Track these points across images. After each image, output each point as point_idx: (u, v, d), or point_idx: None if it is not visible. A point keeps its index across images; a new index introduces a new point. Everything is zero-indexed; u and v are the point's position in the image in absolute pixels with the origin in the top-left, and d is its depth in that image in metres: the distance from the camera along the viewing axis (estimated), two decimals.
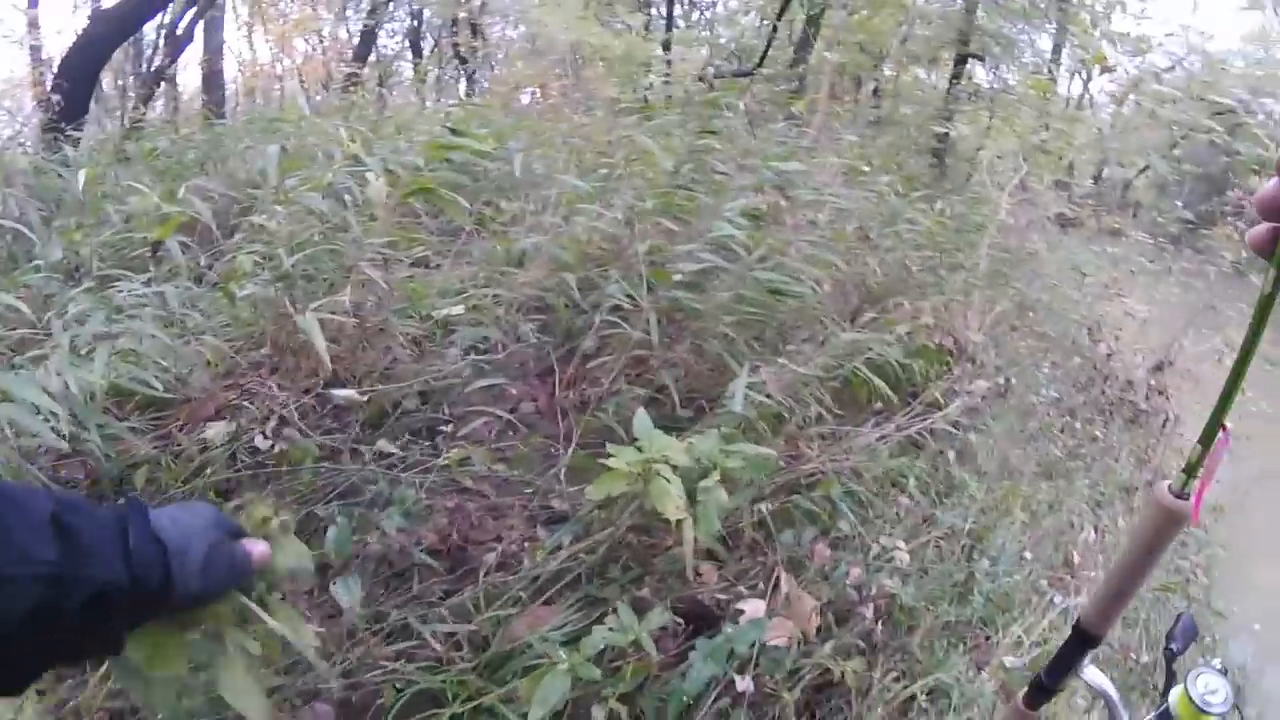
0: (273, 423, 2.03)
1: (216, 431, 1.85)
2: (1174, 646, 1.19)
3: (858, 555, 2.81)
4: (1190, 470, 0.87)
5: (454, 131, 2.65)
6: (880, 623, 2.78)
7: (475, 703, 1.92)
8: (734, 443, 2.07)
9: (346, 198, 2.57)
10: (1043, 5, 9.29)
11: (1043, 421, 5.01)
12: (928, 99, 8.84)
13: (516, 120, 4.95)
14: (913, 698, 2.55)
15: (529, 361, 2.54)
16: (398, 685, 1.95)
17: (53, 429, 1.80)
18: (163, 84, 6.87)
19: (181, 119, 6.16)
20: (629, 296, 2.43)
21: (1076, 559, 4.04)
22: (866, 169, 4.44)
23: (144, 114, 6.20)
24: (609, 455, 2.00)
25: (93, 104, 5.83)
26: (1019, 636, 3.10)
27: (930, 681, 2.59)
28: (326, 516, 2.00)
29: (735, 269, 2.47)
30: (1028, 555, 3.68)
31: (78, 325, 1.96)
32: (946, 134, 7.61)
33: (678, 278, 2.46)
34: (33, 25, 9.16)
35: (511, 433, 2.52)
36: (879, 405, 3.07)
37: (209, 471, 2.17)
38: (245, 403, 2.16)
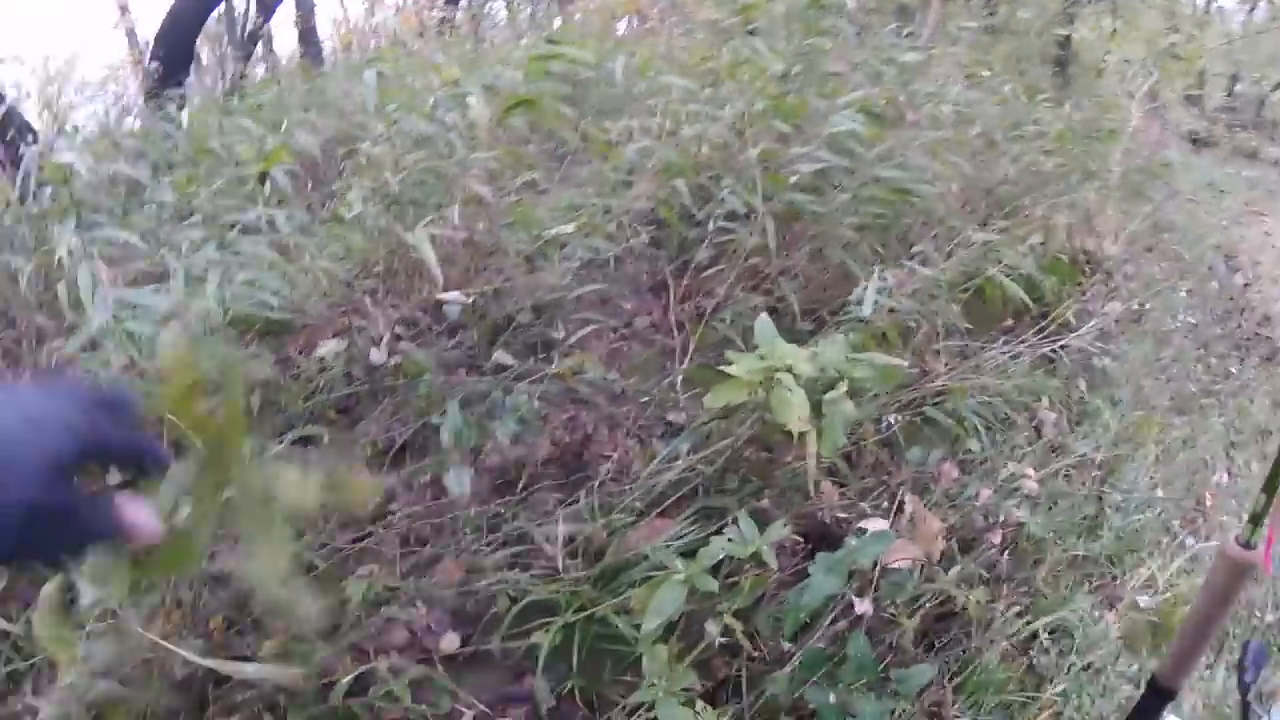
0: (387, 337, 1.98)
1: (330, 349, 1.81)
2: (1247, 677, 1.13)
3: (987, 479, 2.61)
4: (1256, 519, 0.85)
5: (551, 42, 2.50)
6: (1005, 552, 2.58)
7: (588, 612, 1.86)
8: (861, 352, 1.89)
9: (448, 118, 2.48)
10: None
11: (1178, 351, 4.57)
12: (1045, 3, 8.06)
13: (615, 45, 4.75)
14: (1035, 634, 2.37)
15: (642, 275, 2.41)
16: (511, 594, 1.91)
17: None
18: (259, 45, 6.93)
19: (282, 75, 6.21)
20: (744, 203, 2.25)
21: (1209, 501, 3.69)
22: (987, 74, 4.04)
23: (244, 75, 6.27)
24: (727, 364, 1.86)
25: (192, 71, 5.88)
26: (1148, 577, 2.85)
27: (1054, 619, 2.40)
28: (440, 424, 1.94)
29: (855, 168, 2.25)
30: (1159, 493, 3.37)
31: (191, 253, 1.95)
32: (1068, 39, 6.92)
33: (794, 180, 2.26)
34: (124, 10, 9.43)
35: (626, 346, 2.41)
36: (1009, 321, 2.81)
37: (327, 390, 2.16)
38: (360, 322, 2.12)
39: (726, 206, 2.28)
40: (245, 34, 6.46)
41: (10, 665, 1.76)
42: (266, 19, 6.44)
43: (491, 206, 2.21)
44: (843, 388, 1.76)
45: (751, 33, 3.83)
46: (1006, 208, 3.09)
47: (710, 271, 2.33)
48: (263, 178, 2.43)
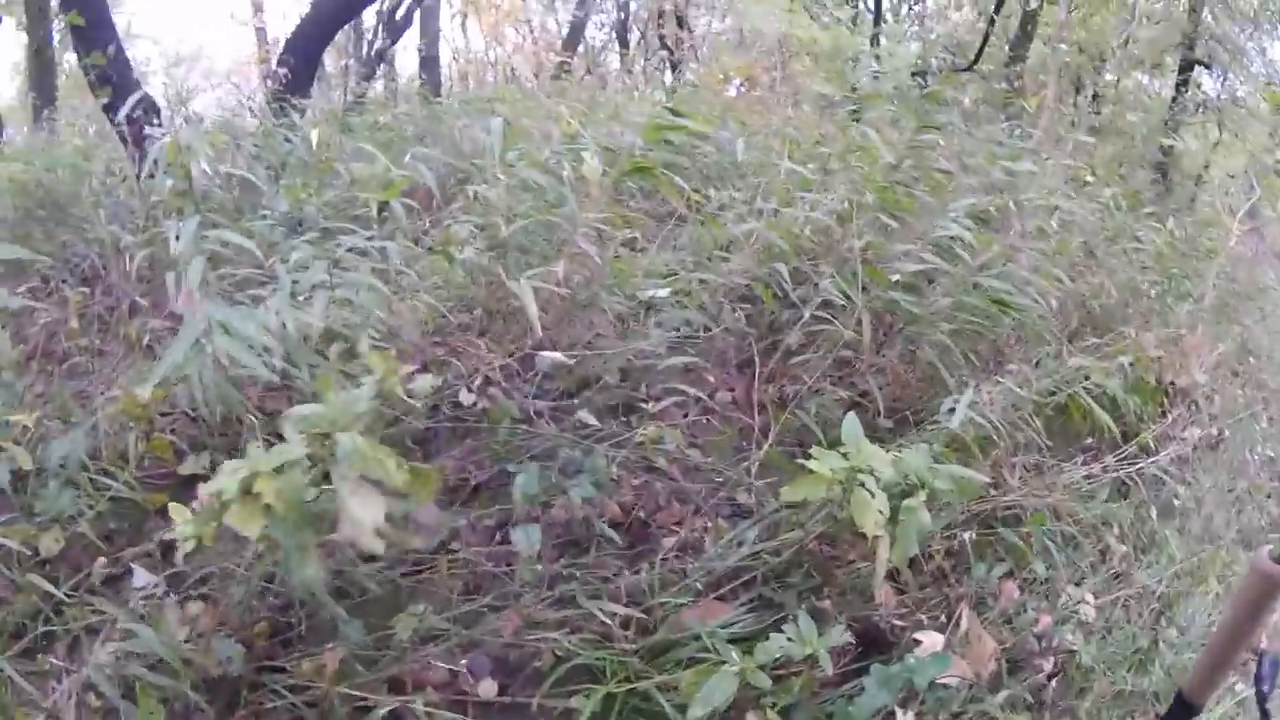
0: (478, 380, 2.00)
1: (423, 383, 1.83)
2: (1264, 688, 1.09)
3: (1046, 603, 2.49)
4: None
5: (673, 113, 2.51)
6: (1054, 679, 2.46)
7: (632, 685, 1.82)
8: (943, 462, 1.83)
9: (564, 173, 2.51)
10: (1276, 8, 8.01)
11: (1251, 484, 4.33)
12: (1150, 107, 7.84)
13: (725, 109, 4.78)
14: None
15: (730, 350, 2.39)
16: (557, 652, 1.88)
17: (265, 363, 1.83)
18: (382, 65, 7.15)
19: (401, 98, 6.40)
20: (842, 294, 2.21)
21: (1263, 644, 3.44)
22: (1090, 179, 3.93)
23: (364, 91, 6.45)
24: (806, 456, 1.82)
25: (315, 82, 6.08)
26: None
27: None
28: (518, 472, 1.94)
29: (958, 273, 2.19)
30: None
31: (300, 271, 1.99)
32: (1172, 146, 6.71)
33: (895, 278, 2.21)
34: (258, 8, 9.85)
35: (706, 419, 2.39)
36: (1089, 440, 2.70)
37: (410, 420, 2.18)
38: (453, 359, 2.14)
39: (824, 294, 2.25)
40: (371, 52, 6.68)
41: (49, 626, 1.81)
42: (394, 40, 6.65)
43: (594, 264, 2.22)
44: (921, 496, 1.70)
45: (856, 117, 3.80)
46: (1099, 324, 2.98)
47: (799, 358, 2.29)
48: (381, 207, 2.49)
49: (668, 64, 9.46)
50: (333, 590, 1.78)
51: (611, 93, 6.53)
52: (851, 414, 1.78)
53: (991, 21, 8.38)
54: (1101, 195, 3.99)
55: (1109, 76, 8.36)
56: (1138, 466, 2.97)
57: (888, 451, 1.83)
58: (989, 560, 2.39)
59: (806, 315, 2.23)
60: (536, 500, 1.91)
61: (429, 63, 7.17)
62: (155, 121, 3.95)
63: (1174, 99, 7.90)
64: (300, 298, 2.03)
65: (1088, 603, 2.64)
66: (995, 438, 2.15)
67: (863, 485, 1.69)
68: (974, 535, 2.13)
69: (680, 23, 9.33)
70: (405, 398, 1.68)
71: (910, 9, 12.65)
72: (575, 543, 2.05)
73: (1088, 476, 2.60)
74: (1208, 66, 8.44)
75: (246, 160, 3.44)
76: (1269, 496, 4.64)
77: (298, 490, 1.43)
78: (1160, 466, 3.13)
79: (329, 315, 2.01)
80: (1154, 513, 3.27)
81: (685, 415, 2.32)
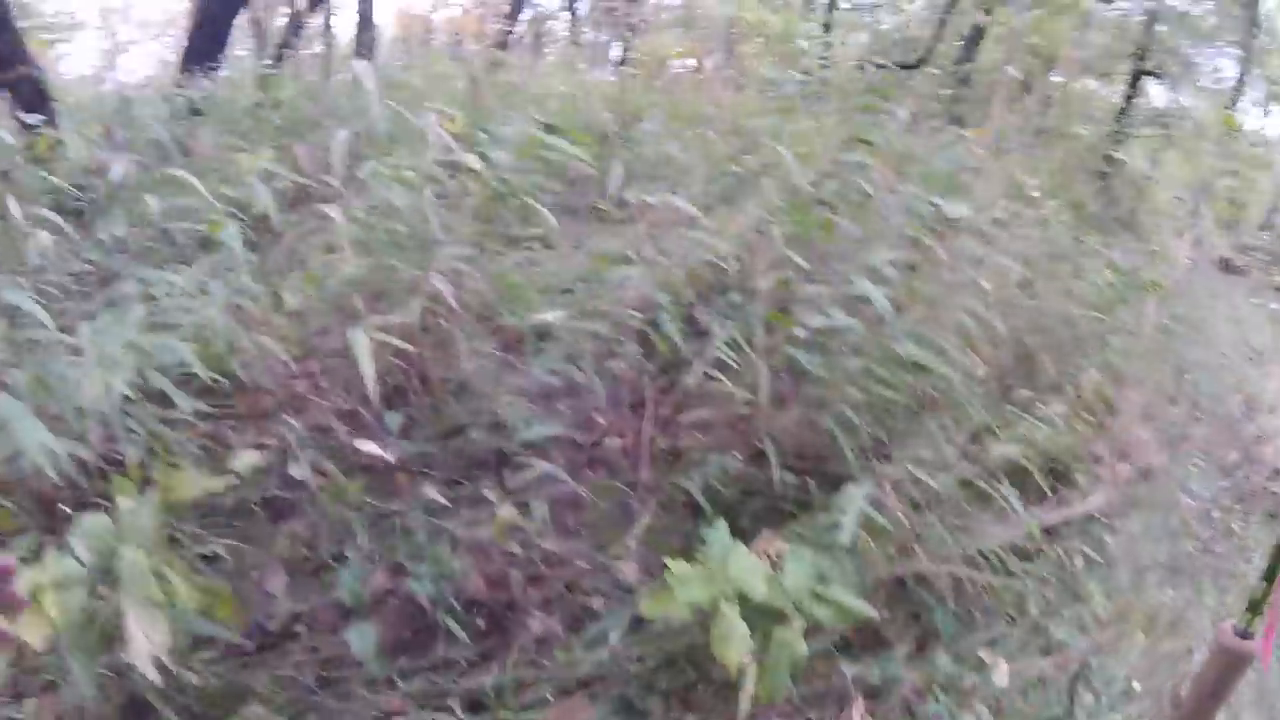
0: (308, 454, 1.65)
1: (246, 463, 1.52)
2: None
3: (951, 685, 2.24)
4: (1255, 607, 0.78)
5: (550, 129, 2.16)
6: None
7: None
8: (830, 577, 1.53)
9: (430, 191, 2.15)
10: (1231, 26, 7.86)
11: (1183, 512, 4.18)
12: (1098, 114, 7.63)
13: (663, 91, 4.41)
14: None
15: (622, 387, 2.06)
16: None
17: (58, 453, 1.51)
18: (306, 26, 6.53)
19: (337, 59, 5.84)
20: (744, 339, 1.90)
21: (1183, 692, 3.28)
22: (1035, 193, 3.65)
23: (285, 55, 5.80)
24: (695, 531, 1.52)
25: (226, 49, 5.40)
26: None
27: None
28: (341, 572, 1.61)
29: (870, 335, 1.88)
30: (1137, 687, 2.98)
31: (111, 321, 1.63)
32: (1117, 157, 6.51)
33: (800, 333, 1.90)
34: None
35: (590, 468, 2.07)
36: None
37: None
38: (290, 416, 1.78)
39: (721, 337, 1.93)
40: (294, 12, 6.11)
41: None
42: (316, 4, 6.09)
43: (461, 298, 1.87)
44: (798, 625, 1.41)
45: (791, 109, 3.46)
46: (1032, 363, 2.71)
47: (692, 415, 1.98)
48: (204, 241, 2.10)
49: (618, 38, 8.97)
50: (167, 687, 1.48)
51: (549, 65, 6.09)
52: (720, 524, 1.48)
53: (942, 22, 8.06)
54: (1044, 206, 3.72)
55: (1057, 79, 8.14)
56: (1062, 516, 2.74)
57: (766, 565, 1.52)
58: (896, 625, 2.13)
59: (706, 355, 1.90)
60: (363, 598, 1.58)
61: (363, 23, 6.60)
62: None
63: (1122, 109, 7.69)
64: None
65: (1001, 668, 2.41)
66: (897, 528, 1.86)
67: (725, 616, 1.39)
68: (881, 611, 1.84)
69: None
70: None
71: None
72: (421, 634, 1.73)
73: (1008, 543, 2.34)
74: (1158, 77, 8.26)
75: (112, 147, 2.99)
76: (1198, 520, 4.51)
77: (77, 608, 1.36)
78: (1087, 513, 2.92)
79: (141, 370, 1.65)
80: (1079, 562, 3.07)
81: (565, 462, 1.99)
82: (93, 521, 1.39)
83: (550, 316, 2.13)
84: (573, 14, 10.08)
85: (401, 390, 1.97)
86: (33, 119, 3.22)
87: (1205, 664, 0.89)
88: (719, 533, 1.46)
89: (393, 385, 2.02)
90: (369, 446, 1.58)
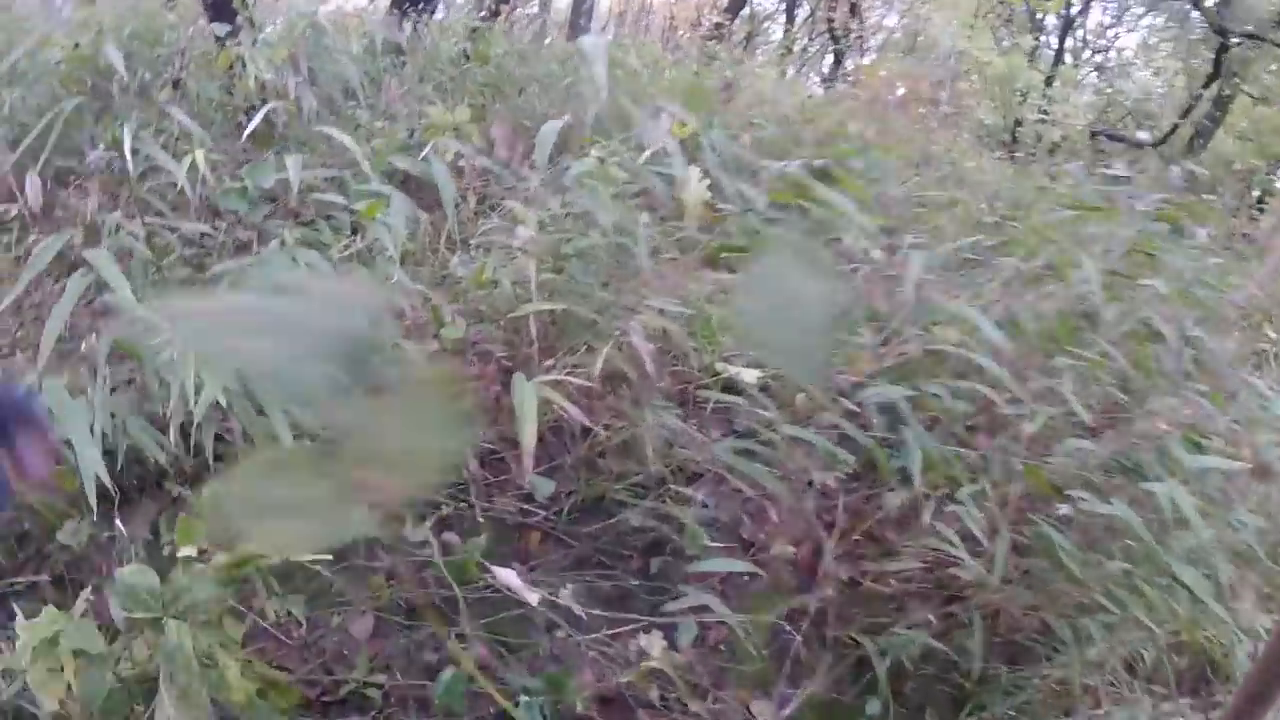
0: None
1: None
2: None
3: None
4: None
5: (819, 175, 1.71)
6: None
7: None
8: None
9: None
10: None
11: None
12: None
13: (878, 119, 3.87)
14: None
15: (809, 495, 1.62)
16: None
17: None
18: None
19: (552, 24, 5.51)
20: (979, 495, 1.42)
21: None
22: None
23: (501, 10, 5.50)
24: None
25: None
26: None
27: None
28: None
29: (1153, 548, 1.36)
30: None
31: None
32: None
33: (1061, 508, 1.40)
34: None
35: (747, 578, 1.66)
36: None
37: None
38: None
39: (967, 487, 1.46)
40: None
41: None
42: None
43: (646, 359, 1.48)
44: None
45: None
46: None
47: (893, 566, 1.52)
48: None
49: (830, 51, 8.30)
50: None
51: (760, 67, 5.57)
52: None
53: (1193, 98, 6.97)
54: None
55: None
56: None
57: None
58: None
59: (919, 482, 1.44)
60: (458, 707, 1.23)
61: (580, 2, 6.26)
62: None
63: None
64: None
65: None
66: None
67: None
68: None
69: (853, 9, 8.10)
70: None
71: (1093, 54, 10.96)
72: None
73: None
74: None
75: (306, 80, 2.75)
76: None
77: (100, 686, 1.13)
78: None
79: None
80: None
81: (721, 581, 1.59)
82: (137, 577, 1.12)
83: (753, 374, 1.71)
84: (790, 19, 9.43)
85: (555, 439, 1.61)
86: (219, 27, 3.03)
87: (1256, 664, 0.76)
88: None
89: (546, 425, 1.66)
90: (508, 577, 1.21)
